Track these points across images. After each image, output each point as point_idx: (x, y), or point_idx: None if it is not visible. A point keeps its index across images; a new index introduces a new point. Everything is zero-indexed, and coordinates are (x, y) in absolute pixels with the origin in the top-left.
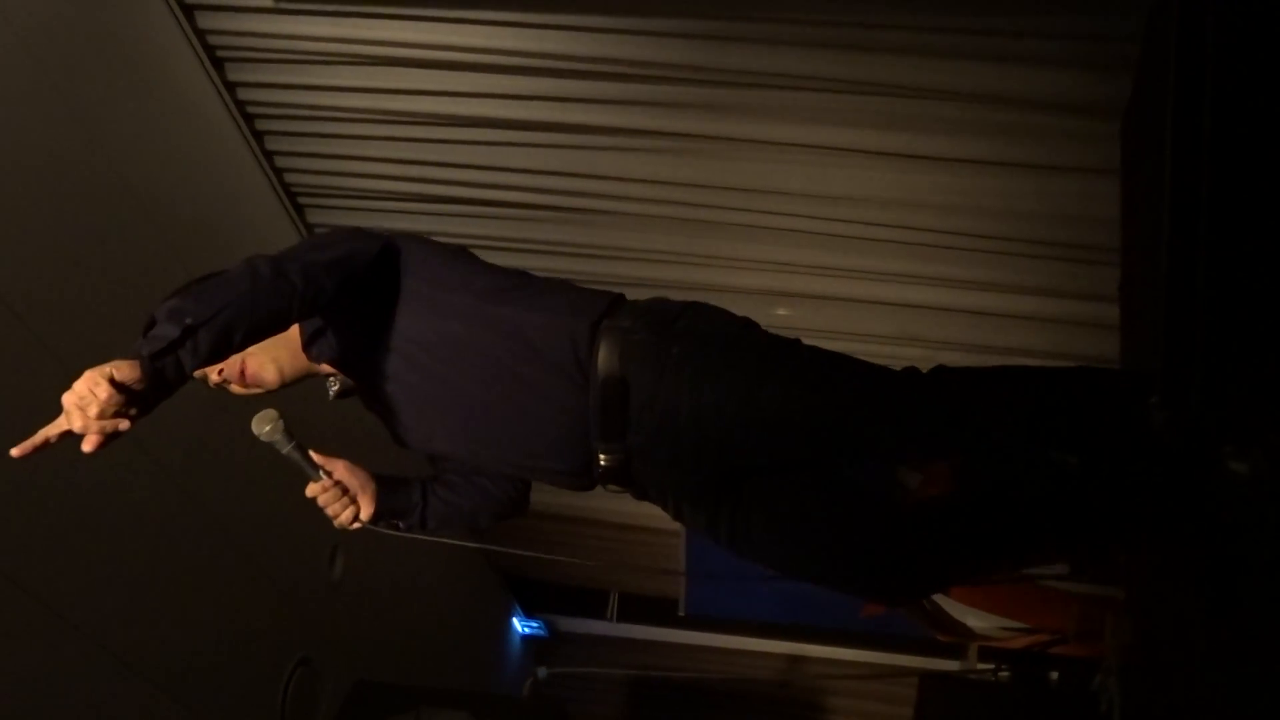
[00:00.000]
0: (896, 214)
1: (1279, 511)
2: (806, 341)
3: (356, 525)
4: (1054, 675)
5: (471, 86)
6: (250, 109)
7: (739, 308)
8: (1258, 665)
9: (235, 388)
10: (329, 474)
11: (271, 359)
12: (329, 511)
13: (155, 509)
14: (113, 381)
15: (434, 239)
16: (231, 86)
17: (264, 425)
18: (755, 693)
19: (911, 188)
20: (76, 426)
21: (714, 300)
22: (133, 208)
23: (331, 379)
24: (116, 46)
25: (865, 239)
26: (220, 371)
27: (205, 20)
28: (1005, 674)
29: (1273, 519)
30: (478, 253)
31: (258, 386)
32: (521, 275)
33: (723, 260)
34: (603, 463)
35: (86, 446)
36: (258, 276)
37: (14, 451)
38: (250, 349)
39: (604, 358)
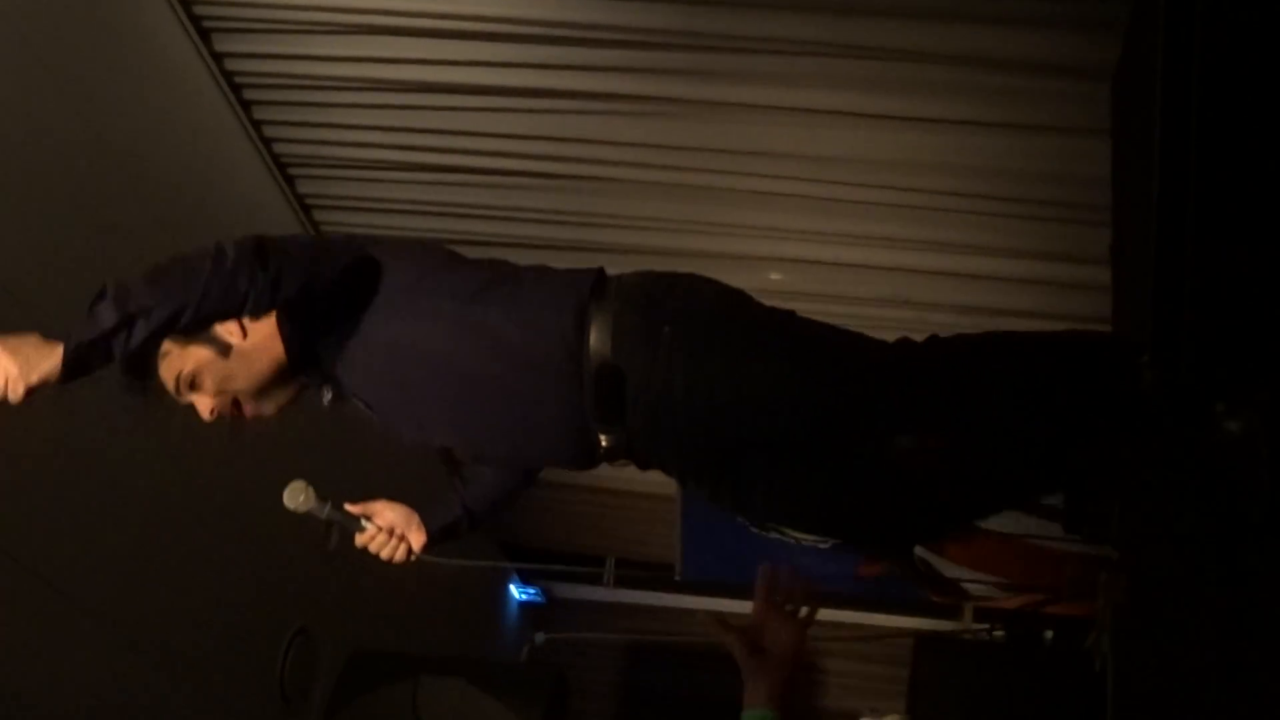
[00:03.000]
0: (887, 176)
1: (1273, 470)
2: (801, 308)
3: (413, 559)
4: (1048, 634)
5: (459, 54)
6: (238, 79)
7: (732, 274)
8: (1252, 624)
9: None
10: (369, 519)
11: (268, 397)
12: (383, 555)
13: (151, 483)
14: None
15: (410, 241)
16: (219, 57)
17: (297, 498)
18: None
19: (902, 150)
20: None
21: (709, 268)
22: (119, 180)
23: (325, 388)
24: (102, 17)
25: (856, 202)
26: (212, 411)
27: None
28: (1000, 634)
29: (1268, 478)
30: (467, 220)
31: (255, 420)
32: (497, 267)
33: (714, 226)
34: (605, 444)
35: None
36: (219, 266)
37: None
38: (243, 388)
39: (595, 344)
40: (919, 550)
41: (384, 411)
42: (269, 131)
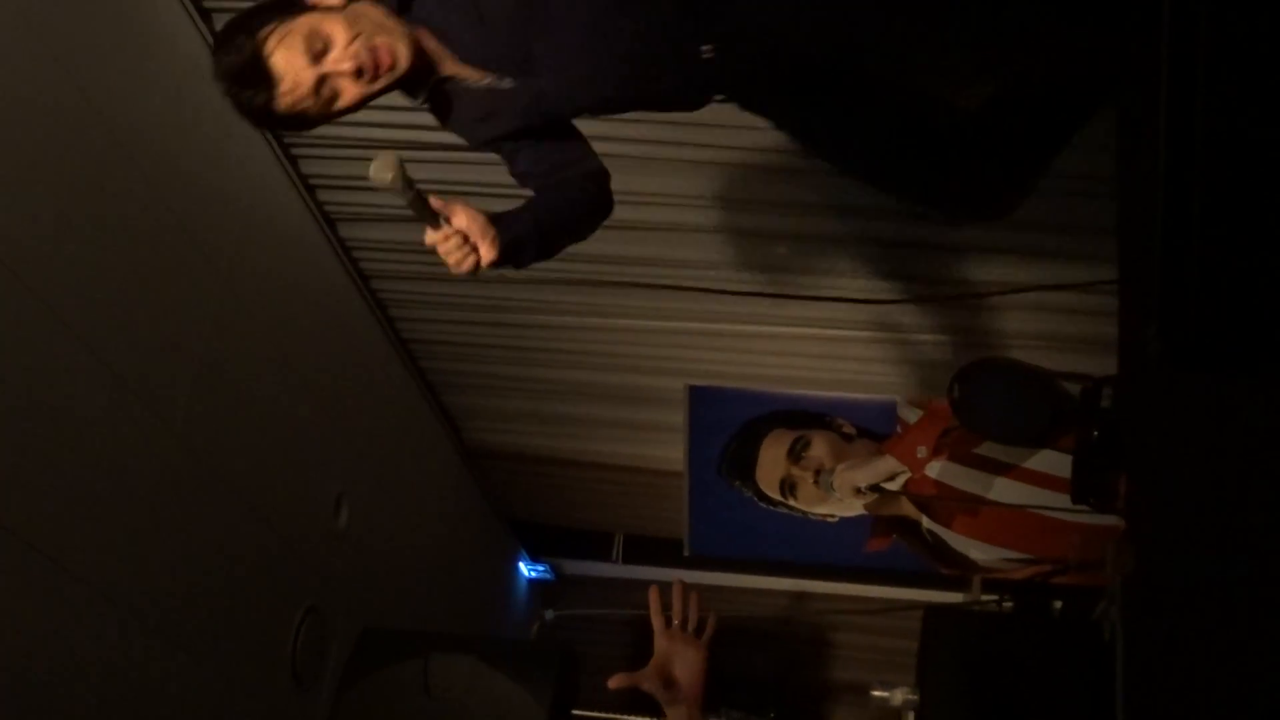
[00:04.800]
0: None
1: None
2: (807, 286)
3: (478, 273)
4: (1057, 605)
5: None
6: None
7: (737, 248)
8: (1259, 594)
9: (359, 88)
10: (448, 221)
11: (398, 36)
12: (449, 260)
13: (160, 463)
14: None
15: None
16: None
17: (385, 172)
18: (760, 630)
19: None
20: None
21: (713, 245)
22: (119, 156)
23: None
24: None
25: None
26: (354, 57)
27: None
28: (1009, 605)
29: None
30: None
31: (391, 71)
32: None
33: (718, 200)
34: (705, 56)
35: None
36: None
37: None
38: (371, 25)
39: None
40: (927, 523)
41: (490, 70)
42: None
